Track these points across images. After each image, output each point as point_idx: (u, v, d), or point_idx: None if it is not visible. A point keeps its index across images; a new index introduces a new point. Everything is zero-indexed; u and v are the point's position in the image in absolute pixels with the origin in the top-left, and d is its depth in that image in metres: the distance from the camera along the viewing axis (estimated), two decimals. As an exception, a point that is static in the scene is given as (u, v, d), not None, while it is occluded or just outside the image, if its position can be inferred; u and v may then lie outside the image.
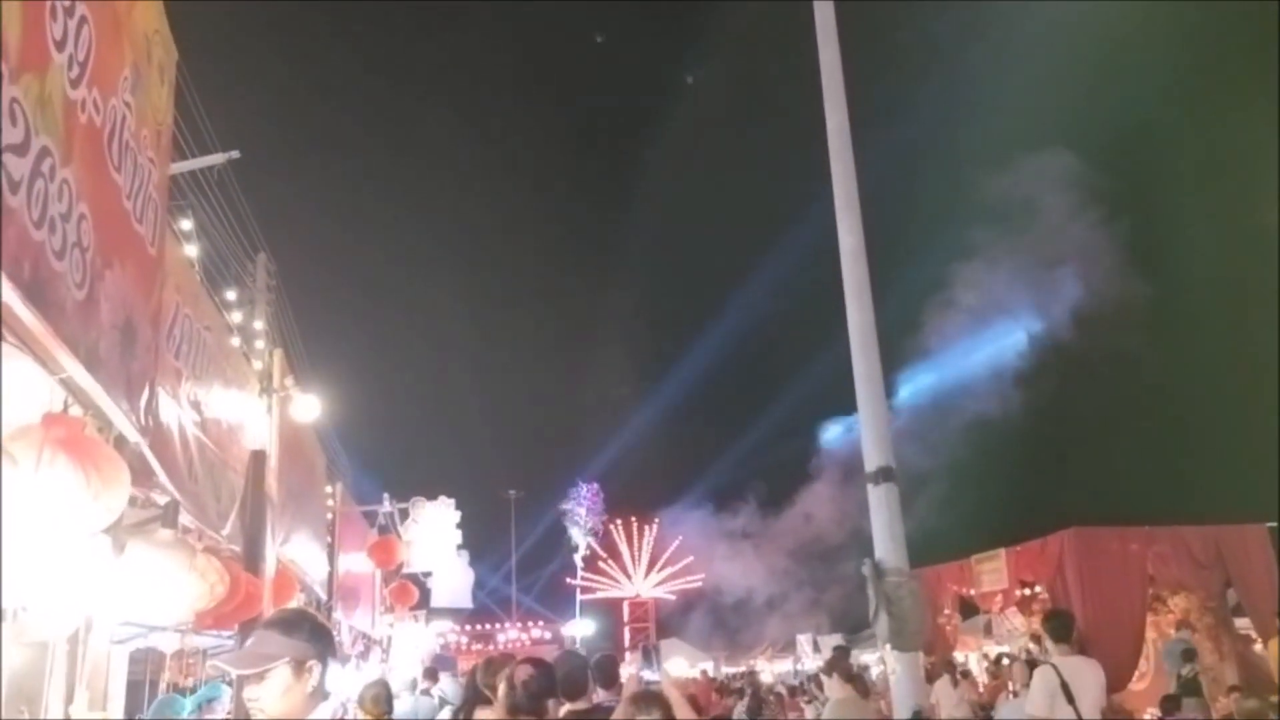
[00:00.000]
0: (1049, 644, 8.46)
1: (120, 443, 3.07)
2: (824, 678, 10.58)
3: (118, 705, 4.58)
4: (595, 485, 49.53)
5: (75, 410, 2.83)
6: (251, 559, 5.66)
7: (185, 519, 4.46)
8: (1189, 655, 12.79)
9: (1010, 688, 13.84)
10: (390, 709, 7.27)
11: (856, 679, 10.85)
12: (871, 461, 11.06)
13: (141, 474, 3.62)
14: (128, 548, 3.44)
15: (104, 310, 2.67)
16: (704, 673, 22.58)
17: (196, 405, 4.58)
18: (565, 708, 5.18)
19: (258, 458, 5.96)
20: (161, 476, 3.61)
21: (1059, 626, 8.34)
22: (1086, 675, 7.84)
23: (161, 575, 3.40)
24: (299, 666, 2.93)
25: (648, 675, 5.27)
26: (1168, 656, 13.39)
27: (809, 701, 12.74)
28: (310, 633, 3.09)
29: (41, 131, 2.23)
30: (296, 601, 7.03)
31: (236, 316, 6.66)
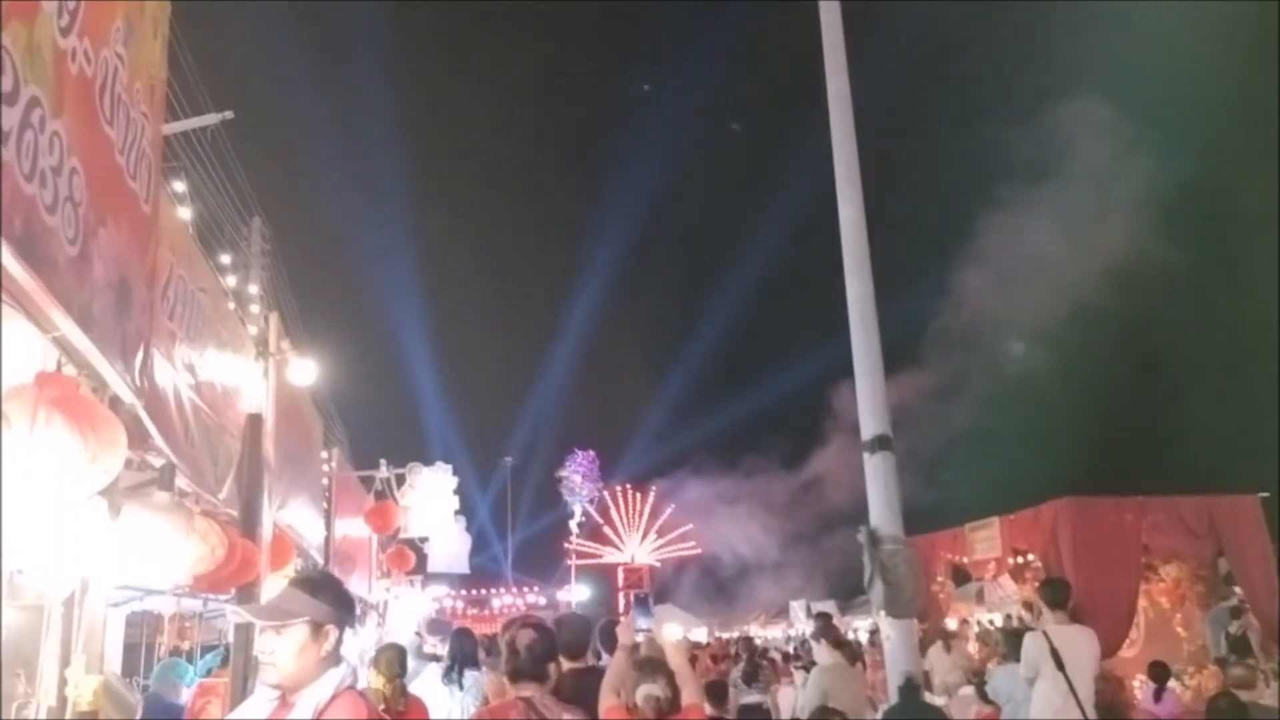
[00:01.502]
0: (1044, 611, 8.47)
1: (115, 404, 3.02)
2: (812, 643, 10.57)
3: (115, 668, 4.55)
4: (591, 453, 49.69)
5: (69, 370, 2.78)
6: (248, 523, 5.62)
7: (182, 483, 4.42)
8: (1236, 612, 12.84)
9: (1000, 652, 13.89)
10: (404, 672, 7.24)
11: (845, 645, 10.88)
12: (868, 430, 11.04)
13: (137, 436, 3.57)
14: (124, 510, 3.39)
15: (97, 268, 2.61)
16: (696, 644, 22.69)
17: (191, 368, 4.52)
18: (566, 666, 5.18)
19: (254, 421, 5.91)
20: (158, 439, 3.56)
21: (1054, 594, 8.34)
22: (1079, 643, 7.85)
23: (159, 538, 3.36)
24: (317, 628, 2.90)
25: (642, 624, 5.25)
26: (1214, 621, 13.44)
27: (801, 667, 12.76)
28: (334, 597, 3.06)
29: (30, 81, 2.16)
30: (294, 566, 7.00)
31: (231, 280, 6.59)
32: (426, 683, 8.41)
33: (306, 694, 2.80)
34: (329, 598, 3.00)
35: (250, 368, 6.18)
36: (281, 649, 2.85)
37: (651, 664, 4.80)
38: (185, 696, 7.13)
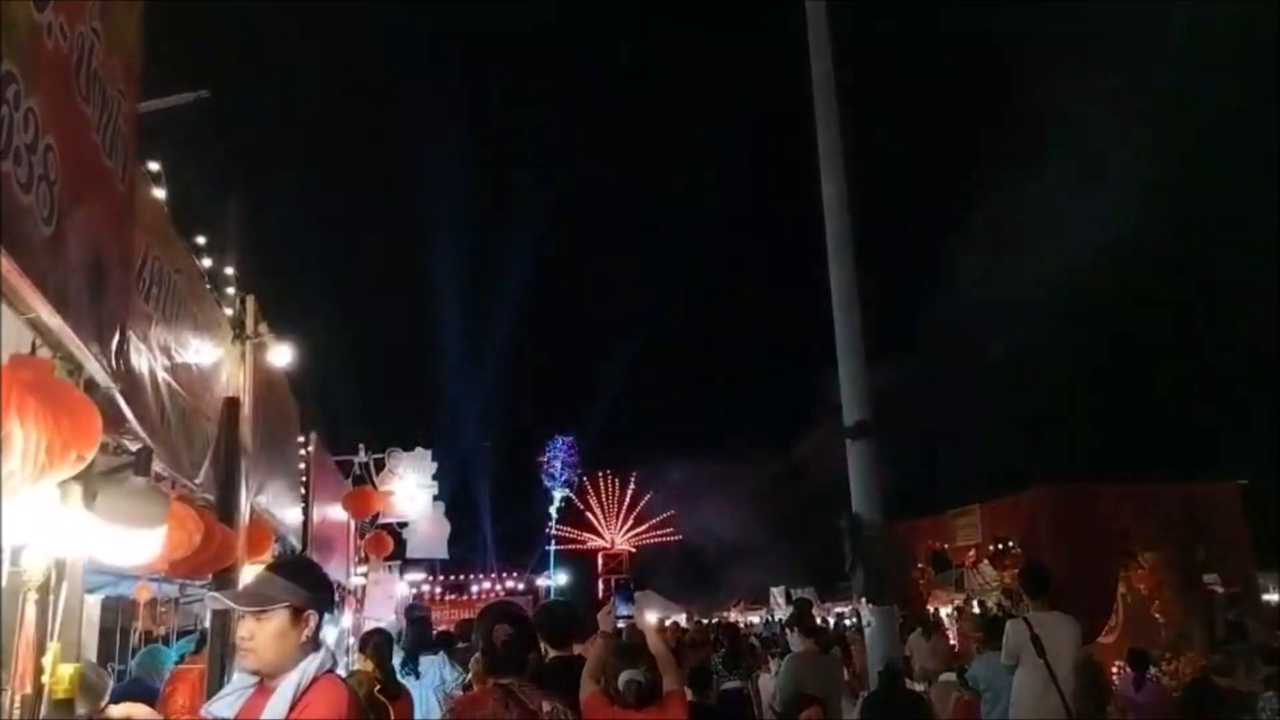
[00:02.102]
0: (1025, 597, 8.52)
1: (90, 387, 2.96)
2: (787, 631, 10.64)
3: (90, 655, 4.49)
4: (571, 439, 49.70)
5: (44, 353, 2.72)
6: (225, 508, 5.56)
7: (158, 467, 4.35)
8: (1234, 598, 13.07)
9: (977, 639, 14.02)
10: (391, 656, 7.20)
11: (819, 632, 10.94)
12: (850, 415, 11.03)
13: (113, 420, 3.51)
14: (100, 495, 3.34)
15: (72, 248, 2.55)
16: (674, 625, 22.72)
17: (167, 350, 4.45)
18: (551, 654, 5.18)
19: (231, 405, 5.84)
20: (134, 423, 3.51)
21: (1034, 580, 8.40)
22: (1060, 629, 7.90)
23: (135, 523, 3.30)
24: (297, 614, 2.90)
25: (622, 612, 5.28)
26: (1218, 610, 13.66)
27: (777, 654, 12.81)
28: (313, 582, 3.06)
29: (5, 56, 2.10)
30: (272, 552, 6.94)
31: (206, 262, 6.51)
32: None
33: (286, 680, 2.79)
34: (308, 583, 2.99)
35: (227, 350, 6.10)
36: (260, 635, 2.84)
37: (633, 650, 4.81)
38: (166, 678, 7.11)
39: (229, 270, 6.80)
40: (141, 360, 3.94)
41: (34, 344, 2.64)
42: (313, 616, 2.96)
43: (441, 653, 8.83)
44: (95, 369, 2.87)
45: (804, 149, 10.93)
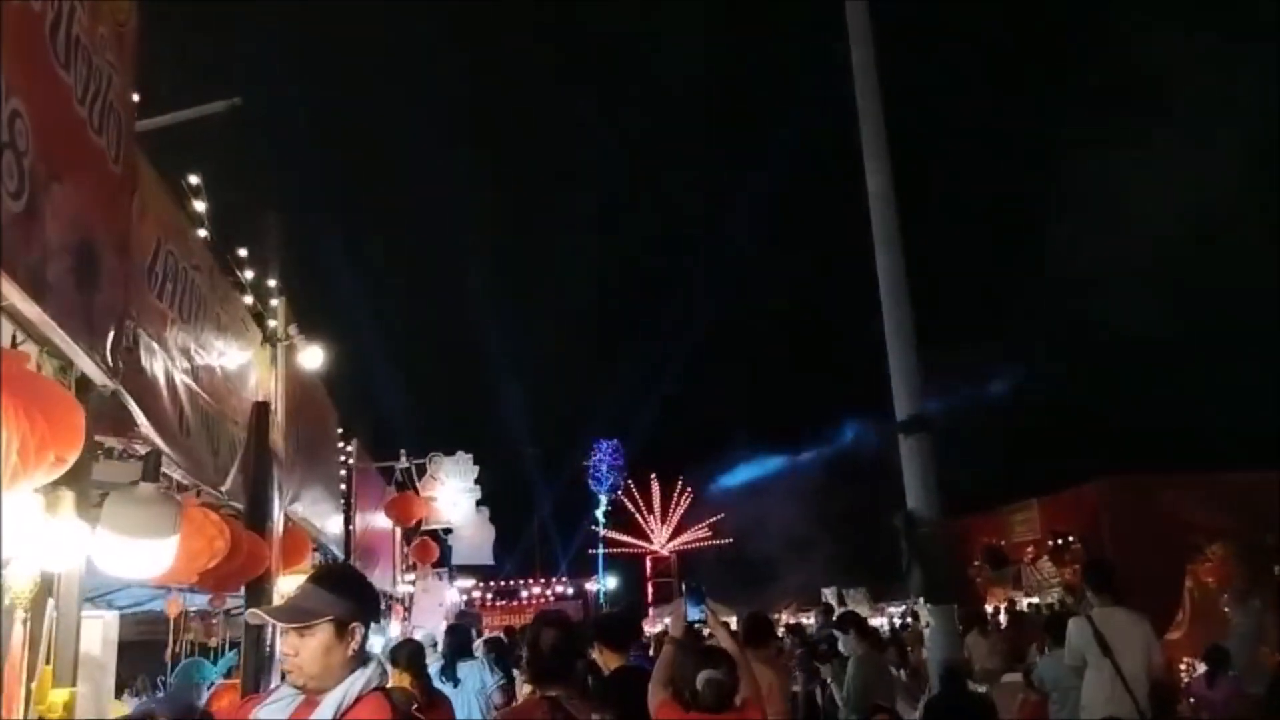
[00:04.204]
0: (1089, 594, 8.16)
1: (84, 387, 2.72)
2: (839, 634, 10.37)
3: (108, 676, 4.28)
4: (616, 442, 49.39)
5: (30, 348, 2.49)
6: (255, 516, 5.34)
7: (178, 475, 4.14)
8: None
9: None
10: (425, 668, 7.05)
11: (871, 634, 10.63)
12: (902, 410, 10.64)
13: (120, 423, 3.29)
14: (105, 504, 3.12)
15: (50, 228, 2.30)
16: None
17: (187, 352, 4.23)
18: (612, 665, 5.06)
19: (260, 410, 5.63)
20: (143, 423, 3.27)
21: (1098, 576, 8.03)
22: (1127, 627, 7.50)
23: (144, 533, 3.07)
24: (342, 627, 2.68)
25: (694, 615, 5.09)
26: None
27: (827, 653, 12.42)
28: (358, 593, 2.82)
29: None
30: (311, 561, 6.74)
31: (248, 274, 6.35)
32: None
33: (330, 695, 2.61)
34: (353, 594, 2.79)
35: (256, 353, 5.90)
36: (305, 651, 2.65)
37: (711, 652, 4.62)
38: (206, 696, 6.95)
39: (271, 282, 6.65)
40: (156, 361, 3.72)
41: (14, 338, 2.39)
42: (359, 629, 2.76)
43: (480, 657, 8.70)
44: (88, 366, 2.63)
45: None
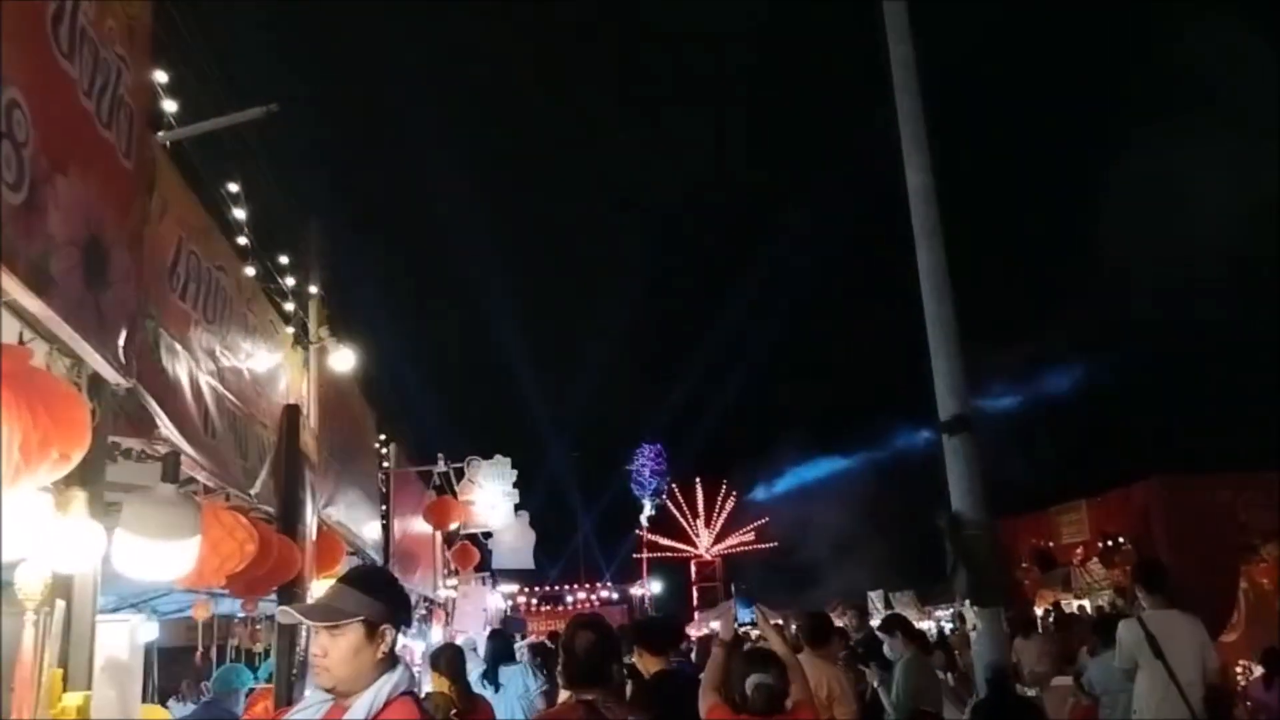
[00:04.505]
0: (1141, 595, 8.00)
1: (97, 384, 2.68)
2: (885, 637, 10.24)
3: (134, 680, 4.25)
4: (659, 446, 49.29)
5: (39, 347, 2.45)
6: (287, 520, 5.31)
7: (204, 478, 4.11)
8: None
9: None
10: (465, 670, 7.06)
11: (919, 637, 10.45)
12: (946, 410, 10.44)
13: (141, 424, 3.25)
14: (125, 505, 3.08)
15: (54, 221, 2.26)
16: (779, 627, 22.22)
17: (212, 353, 4.20)
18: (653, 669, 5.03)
19: (291, 412, 5.60)
20: (164, 423, 3.23)
21: (1150, 577, 7.84)
22: (1180, 628, 7.31)
23: (163, 534, 3.03)
24: (373, 629, 2.66)
25: (744, 618, 5.04)
26: None
27: (865, 657, 12.20)
28: (390, 594, 2.79)
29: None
30: (344, 564, 6.72)
31: (290, 281, 6.36)
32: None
33: (360, 699, 2.57)
34: (384, 595, 2.75)
35: (288, 356, 5.88)
36: (334, 651, 2.62)
37: (761, 655, 4.56)
38: (245, 703, 6.95)
39: (313, 289, 6.65)
40: (178, 362, 3.69)
41: (20, 335, 2.35)
42: (389, 631, 2.72)
43: (524, 662, 8.69)
44: (100, 364, 2.59)
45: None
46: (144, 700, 5.25)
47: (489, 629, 12.58)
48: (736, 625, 5.13)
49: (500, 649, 8.73)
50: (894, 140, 10.66)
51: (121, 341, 2.71)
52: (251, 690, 7.23)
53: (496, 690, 7.99)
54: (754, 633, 5.22)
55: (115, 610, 5.07)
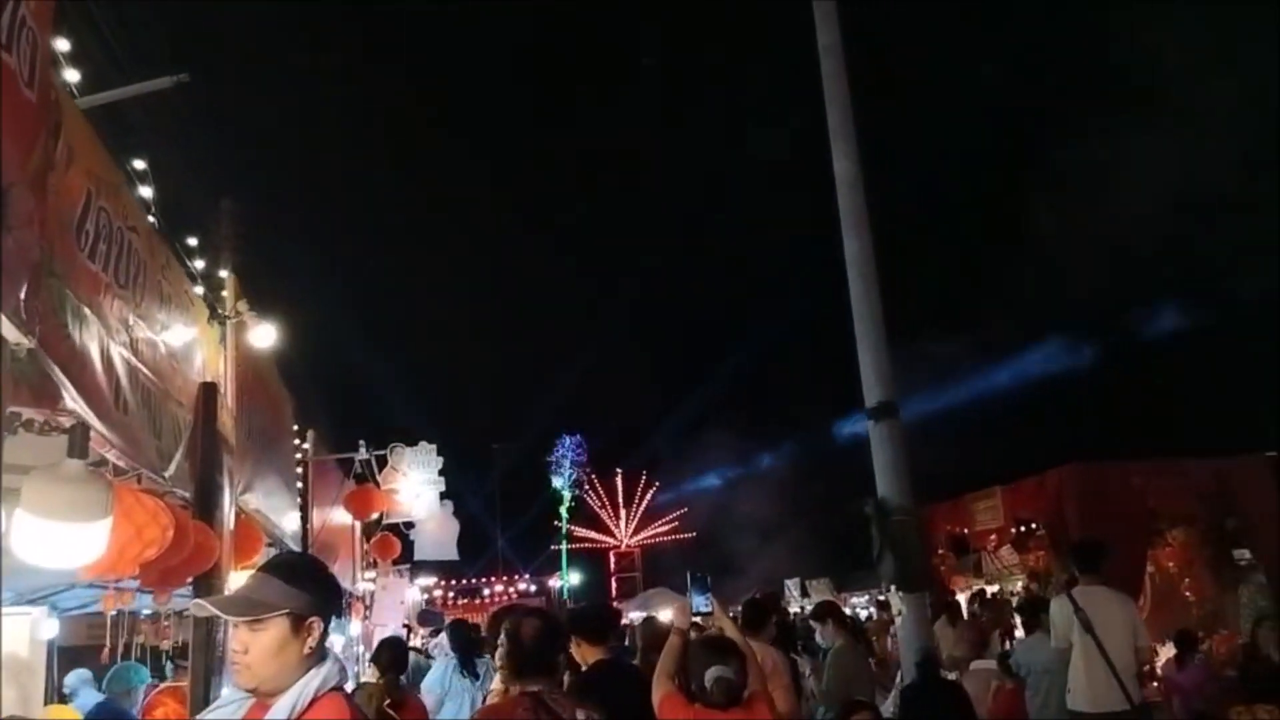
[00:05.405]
0: (1077, 573, 8.15)
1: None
2: (816, 625, 10.29)
3: (36, 677, 3.91)
4: (579, 437, 49.07)
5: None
6: (204, 505, 4.98)
7: (114, 456, 3.78)
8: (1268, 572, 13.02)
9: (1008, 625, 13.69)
10: (404, 668, 6.87)
11: (849, 624, 10.51)
12: (872, 396, 10.45)
13: (43, 393, 2.93)
14: (26, 483, 2.77)
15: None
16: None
17: (125, 322, 3.86)
18: (591, 658, 4.95)
19: (209, 391, 5.25)
20: (70, 393, 2.92)
21: (1087, 555, 8.05)
22: (1110, 605, 7.50)
23: (70, 515, 2.72)
24: (299, 622, 2.40)
25: (701, 606, 4.95)
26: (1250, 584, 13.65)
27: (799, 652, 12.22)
28: (316, 584, 2.53)
29: None
30: (262, 556, 6.38)
31: (199, 264, 6.02)
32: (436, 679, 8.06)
33: (284, 698, 2.32)
34: (311, 585, 2.49)
35: (203, 330, 5.52)
36: (256, 648, 2.35)
37: (721, 645, 4.44)
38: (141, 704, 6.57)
39: (223, 273, 6.32)
40: (86, 328, 3.36)
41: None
42: (317, 624, 2.48)
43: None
44: (-2, 318, 2.28)
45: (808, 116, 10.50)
46: (45, 702, 4.89)
47: (420, 619, 12.29)
48: (693, 613, 5.04)
49: (468, 639, 8.59)
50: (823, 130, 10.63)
51: (23, 295, 2.41)
52: (155, 687, 6.87)
53: (475, 680, 7.86)
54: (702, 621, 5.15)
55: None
